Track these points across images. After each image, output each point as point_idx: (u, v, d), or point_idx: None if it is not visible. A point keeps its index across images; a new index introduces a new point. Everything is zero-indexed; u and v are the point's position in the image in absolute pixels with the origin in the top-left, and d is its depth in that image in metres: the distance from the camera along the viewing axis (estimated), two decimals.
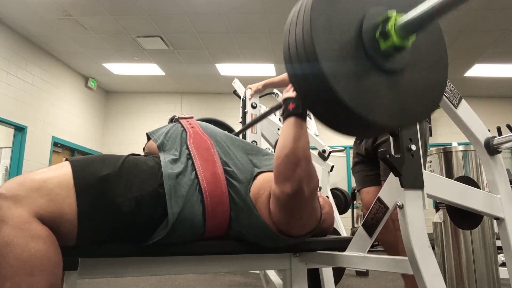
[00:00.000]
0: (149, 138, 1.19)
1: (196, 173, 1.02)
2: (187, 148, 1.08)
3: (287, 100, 1.00)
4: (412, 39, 0.65)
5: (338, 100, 0.60)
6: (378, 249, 5.48)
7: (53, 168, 0.87)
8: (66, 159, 0.92)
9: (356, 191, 4.73)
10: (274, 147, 2.09)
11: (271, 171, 1.06)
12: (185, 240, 1.00)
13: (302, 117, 0.96)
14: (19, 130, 6.08)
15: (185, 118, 1.24)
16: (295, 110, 0.97)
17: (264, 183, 1.04)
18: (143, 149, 1.24)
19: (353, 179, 2.06)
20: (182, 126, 1.18)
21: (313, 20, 0.60)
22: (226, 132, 1.22)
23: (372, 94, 0.64)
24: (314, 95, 0.65)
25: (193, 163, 1.04)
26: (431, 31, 0.76)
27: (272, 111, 1.39)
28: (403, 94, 0.68)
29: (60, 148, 7.20)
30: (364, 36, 0.64)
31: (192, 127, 1.17)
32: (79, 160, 0.91)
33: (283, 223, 1.01)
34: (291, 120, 0.97)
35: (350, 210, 6.04)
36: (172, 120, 1.28)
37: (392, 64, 0.66)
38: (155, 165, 1.00)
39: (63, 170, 0.86)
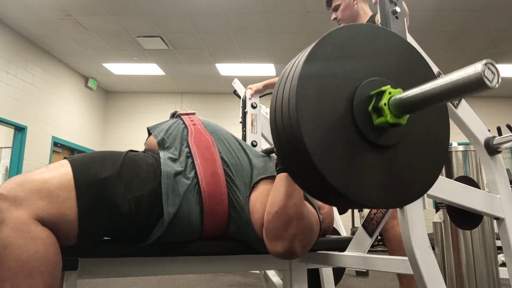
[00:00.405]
0: (149, 133, 1.17)
1: (195, 172, 1.00)
2: (188, 146, 1.06)
3: None
4: (407, 117, 0.59)
5: (325, 181, 0.54)
6: (378, 249, 5.48)
7: (52, 167, 0.86)
8: (65, 158, 0.90)
9: None
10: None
11: (270, 177, 1.04)
12: (183, 239, 1.00)
13: None
14: (19, 130, 6.08)
15: (187, 114, 1.21)
16: None
17: (261, 198, 1.00)
18: (144, 143, 1.22)
19: None
20: (184, 122, 1.16)
21: (299, 91, 0.55)
22: (227, 130, 1.20)
23: (363, 173, 0.58)
24: (299, 171, 0.60)
25: (193, 162, 1.02)
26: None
27: (266, 153, 1.32)
28: (397, 172, 0.62)
29: (60, 148, 7.20)
30: (356, 109, 0.58)
31: (193, 124, 1.15)
32: (79, 159, 0.89)
33: (277, 257, 0.98)
34: (283, 176, 0.92)
35: (350, 210, 6.04)
36: (174, 115, 1.26)
37: (386, 139, 0.60)
38: (154, 163, 0.98)
39: (63, 170, 0.85)
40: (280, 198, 0.90)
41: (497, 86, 0.46)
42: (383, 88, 0.58)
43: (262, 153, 1.18)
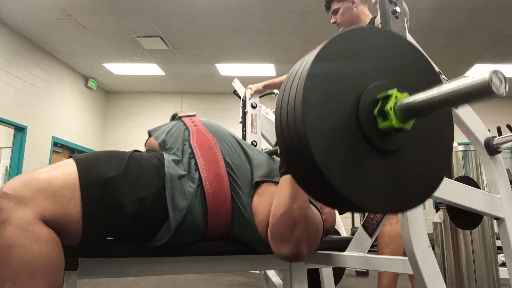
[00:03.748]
0: (150, 135, 1.17)
1: (199, 174, 1.00)
2: (190, 147, 1.06)
3: None
4: (413, 122, 0.59)
5: (330, 186, 0.54)
6: None
7: (57, 166, 0.85)
8: (70, 157, 0.90)
9: None
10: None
11: (273, 182, 1.04)
12: (186, 240, 1.00)
13: None
14: (19, 130, 6.08)
15: (188, 116, 1.21)
16: None
17: (264, 200, 1.00)
18: (144, 144, 1.22)
19: None
20: (185, 124, 1.15)
21: (305, 94, 0.54)
22: (229, 130, 1.20)
23: (367, 177, 0.58)
24: (304, 175, 0.59)
25: (196, 163, 1.02)
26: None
27: (269, 155, 1.32)
28: (401, 177, 0.62)
29: (60, 148, 7.20)
30: (361, 112, 0.58)
31: (195, 125, 1.14)
32: (84, 158, 0.89)
33: (282, 260, 0.97)
34: (287, 178, 0.92)
35: None
36: (174, 117, 1.25)
37: (390, 144, 0.59)
38: (157, 163, 0.98)
39: (68, 169, 0.84)
40: (285, 200, 0.89)
41: (504, 94, 0.47)
42: (390, 92, 0.58)
43: (263, 153, 1.18)
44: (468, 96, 0.49)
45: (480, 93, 0.47)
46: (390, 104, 0.57)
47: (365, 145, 0.58)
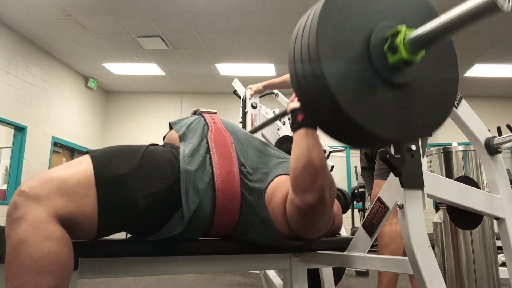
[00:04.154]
0: (170, 128, 1.20)
1: (212, 169, 1.03)
2: (207, 142, 1.09)
3: (294, 112, 0.99)
4: (422, 54, 0.63)
5: (345, 115, 0.59)
6: None
7: (73, 164, 0.88)
8: (87, 152, 0.92)
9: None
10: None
11: (286, 174, 1.06)
12: (193, 235, 1.01)
13: (313, 127, 0.95)
14: (19, 130, 6.08)
15: (209, 113, 1.24)
16: (304, 121, 0.96)
17: (280, 184, 1.04)
18: (163, 138, 1.24)
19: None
20: (205, 120, 1.19)
21: (319, 32, 0.59)
22: (246, 131, 1.23)
23: (379, 108, 0.63)
24: (319, 110, 0.64)
25: (210, 158, 1.04)
26: (442, 45, 0.74)
27: (278, 117, 1.37)
28: (411, 108, 0.67)
29: (60, 148, 7.20)
30: (372, 49, 0.62)
31: (214, 122, 1.17)
32: (100, 155, 0.91)
33: (301, 228, 1.00)
34: (302, 131, 0.96)
35: (350, 210, 6.04)
36: (195, 113, 1.28)
37: (400, 78, 0.64)
38: (171, 158, 1.00)
39: (84, 167, 0.87)
40: (304, 152, 0.92)
41: (509, 9, 0.51)
42: (398, 28, 0.62)
43: (279, 155, 1.19)
44: (476, 15, 0.53)
45: (487, 11, 0.51)
46: (400, 37, 0.62)
47: (377, 79, 0.63)
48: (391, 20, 0.65)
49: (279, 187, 1.03)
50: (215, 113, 1.25)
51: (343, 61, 0.60)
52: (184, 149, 1.04)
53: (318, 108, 0.64)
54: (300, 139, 0.95)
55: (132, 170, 0.91)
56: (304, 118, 0.96)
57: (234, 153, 1.08)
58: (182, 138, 1.09)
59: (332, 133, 0.67)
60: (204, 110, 1.26)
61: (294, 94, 1.00)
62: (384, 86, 0.64)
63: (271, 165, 1.12)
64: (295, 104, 1.00)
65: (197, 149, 1.05)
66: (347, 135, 0.67)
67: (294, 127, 0.99)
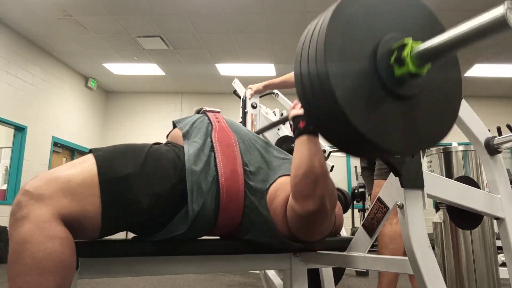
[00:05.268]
0: (174, 126, 1.19)
1: (216, 168, 1.03)
2: (211, 141, 1.09)
3: (296, 118, 0.99)
4: (428, 67, 0.63)
5: (353, 128, 0.59)
6: None
7: (77, 163, 0.88)
8: (90, 151, 0.92)
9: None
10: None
11: (289, 174, 1.06)
12: (196, 234, 1.02)
13: (314, 134, 0.96)
14: (19, 130, 6.08)
15: (213, 111, 1.24)
16: (306, 128, 0.96)
17: (282, 185, 1.04)
18: (167, 136, 1.24)
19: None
20: (209, 119, 1.18)
21: (327, 43, 0.59)
22: (250, 131, 1.23)
23: (385, 120, 0.63)
24: (326, 120, 0.64)
25: (215, 157, 1.04)
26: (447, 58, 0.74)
27: (279, 123, 1.36)
28: (416, 120, 0.67)
29: (60, 148, 7.20)
30: (379, 62, 0.63)
31: (218, 121, 1.17)
32: (103, 154, 0.91)
33: (302, 233, 1.00)
34: (303, 138, 0.96)
35: (350, 210, 6.04)
36: (199, 112, 1.28)
37: (406, 90, 0.65)
38: (174, 158, 1.00)
39: (87, 166, 0.87)
40: (305, 159, 0.93)
41: None
42: (405, 41, 0.63)
43: (281, 154, 1.19)
44: (485, 32, 0.53)
45: (497, 28, 0.51)
46: (407, 50, 0.62)
47: (383, 91, 0.63)
48: (397, 32, 0.65)
49: (281, 189, 1.03)
50: (218, 112, 1.25)
51: (351, 74, 0.60)
52: (189, 148, 1.04)
53: (324, 119, 0.64)
54: (301, 146, 0.95)
55: (136, 170, 0.91)
56: (306, 125, 0.96)
57: (238, 152, 1.08)
58: (185, 136, 1.09)
59: (337, 144, 0.67)
60: (208, 109, 1.26)
61: (296, 101, 1.01)
62: (391, 98, 0.64)
63: (274, 165, 1.12)
64: (298, 111, 1.00)
65: (202, 148, 1.05)
66: (352, 146, 0.67)
67: (296, 134, 0.99)
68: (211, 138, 1.09)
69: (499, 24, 0.50)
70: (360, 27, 0.63)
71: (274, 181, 1.06)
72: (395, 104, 0.64)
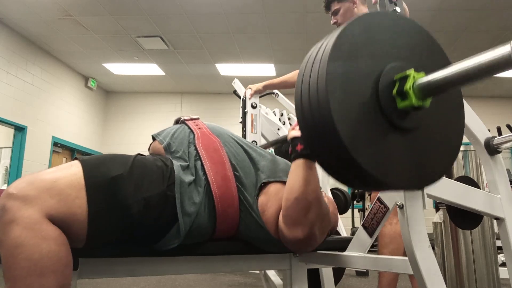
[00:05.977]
0: (154, 139, 1.16)
1: (206, 176, 1.00)
2: (196, 149, 1.06)
3: (294, 140, 0.98)
4: (430, 100, 0.62)
5: (356, 164, 0.57)
6: None
7: (62, 167, 0.85)
8: (75, 158, 0.89)
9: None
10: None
11: (279, 181, 1.05)
12: (194, 242, 1.00)
13: (311, 159, 0.94)
14: (19, 130, 6.08)
15: (191, 119, 1.20)
16: (303, 152, 0.94)
17: (272, 196, 1.02)
18: (148, 149, 1.23)
19: None
20: (189, 127, 1.15)
21: (329, 74, 0.57)
22: (232, 132, 1.20)
23: (388, 154, 0.61)
24: (327, 155, 0.62)
25: (202, 165, 1.02)
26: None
27: (278, 142, 1.33)
28: (419, 153, 0.65)
29: (60, 148, 7.20)
30: (381, 94, 0.61)
31: (199, 128, 1.14)
32: (89, 159, 0.89)
33: (293, 247, 1.01)
34: (299, 162, 0.94)
35: (350, 210, 6.04)
36: (178, 122, 1.25)
37: (408, 123, 0.63)
38: (162, 166, 0.98)
39: (73, 169, 0.84)
40: (299, 184, 0.91)
41: None
42: (407, 73, 0.61)
43: (266, 153, 1.18)
44: (491, 69, 0.51)
45: (502, 66, 0.50)
46: (409, 83, 0.60)
47: (385, 124, 0.61)
48: (399, 60, 0.63)
49: (272, 200, 1.01)
50: (197, 118, 1.21)
51: (353, 107, 0.58)
52: (176, 161, 1.01)
53: (325, 153, 0.62)
54: (297, 169, 0.94)
55: (124, 173, 0.88)
56: (304, 149, 0.95)
57: (226, 156, 1.06)
58: (167, 148, 1.06)
59: (336, 177, 0.66)
60: (186, 117, 1.22)
61: (296, 123, 0.99)
62: (393, 131, 0.62)
63: (262, 165, 1.10)
64: (297, 132, 0.99)
65: (187, 159, 1.02)
66: (353, 180, 0.65)
67: (293, 157, 0.98)
68: (195, 146, 1.07)
69: (505, 63, 0.49)
70: (362, 56, 0.61)
71: (263, 187, 1.04)
72: (398, 137, 0.62)
